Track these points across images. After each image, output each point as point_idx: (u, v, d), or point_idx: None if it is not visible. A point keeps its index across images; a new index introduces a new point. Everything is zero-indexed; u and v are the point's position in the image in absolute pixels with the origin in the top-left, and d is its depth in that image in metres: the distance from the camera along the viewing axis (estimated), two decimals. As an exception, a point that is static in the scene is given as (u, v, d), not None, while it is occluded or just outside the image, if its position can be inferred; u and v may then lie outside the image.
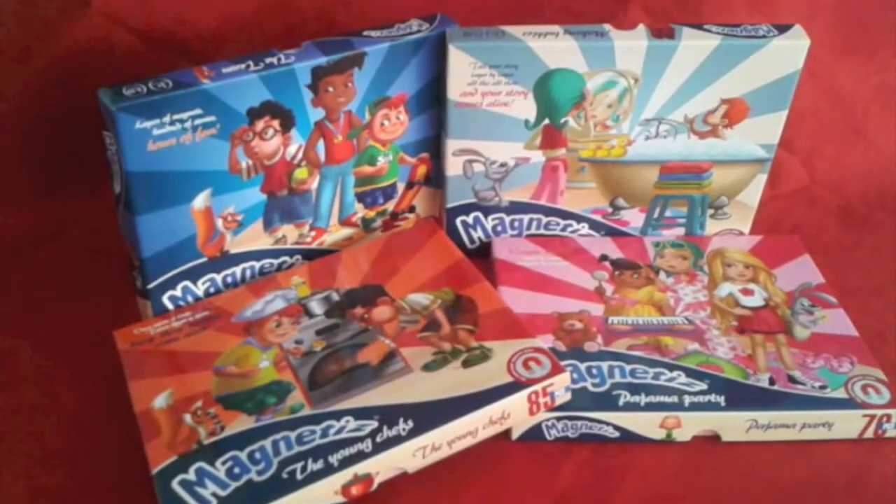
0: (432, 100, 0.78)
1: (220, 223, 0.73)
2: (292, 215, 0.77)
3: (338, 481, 0.59)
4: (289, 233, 0.78)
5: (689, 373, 0.68)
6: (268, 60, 0.69)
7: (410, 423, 0.61)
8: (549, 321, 0.72)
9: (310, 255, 0.80)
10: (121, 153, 0.65)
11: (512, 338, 0.67)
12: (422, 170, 0.82)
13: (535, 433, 0.66)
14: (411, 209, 0.84)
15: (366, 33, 0.74)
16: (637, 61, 0.74)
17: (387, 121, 0.77)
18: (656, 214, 0.83)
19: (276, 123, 0.71)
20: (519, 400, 0.63)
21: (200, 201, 0.71)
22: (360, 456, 0.59)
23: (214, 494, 0.57)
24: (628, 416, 0.66)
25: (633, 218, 0.84)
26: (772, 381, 0.68)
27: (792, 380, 0.68)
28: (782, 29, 0.75)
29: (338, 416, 0.62)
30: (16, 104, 0.84)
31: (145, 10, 0.83)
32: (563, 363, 0.65)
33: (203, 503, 0.57)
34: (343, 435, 0.61)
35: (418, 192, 0.84)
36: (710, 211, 0.83)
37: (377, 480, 0.60)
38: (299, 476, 0.58)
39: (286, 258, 0.79)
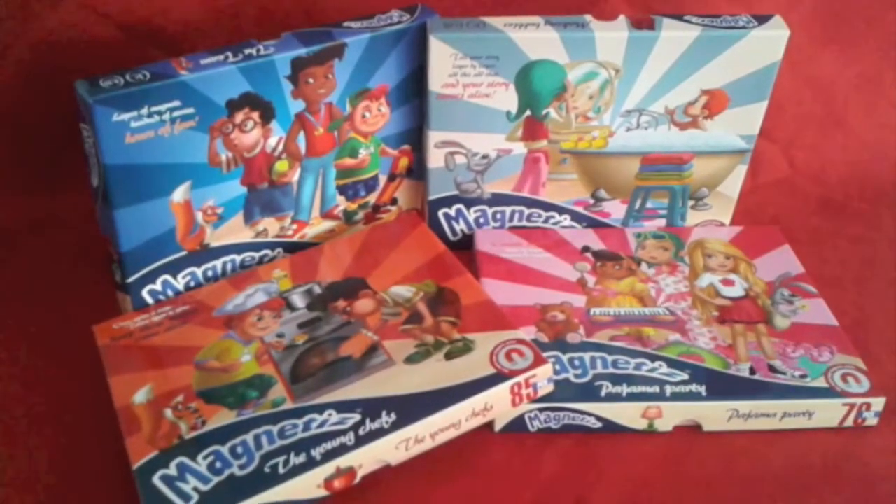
0: (414, 91, 0.77)
1: (199, 216, 0.73)
2: (273, 208, 0.77)
3: (320, 475, 0.58)
4: (270, 226, 0.78)
5: (671, 363, 0.68)
6: (247, 51, 0.69)
7: (393, 416, 0.61)
8: (531, 313, 0.73)
9: (291, 248, 0.80)
10: (98, 146, 0.65)
11: (494, 329, 0.67)
12: (403, 162, 0.82)
13: (517, 425, 0.66)
14: (393, 201, 0.84)
15: (346, 24, 0.73)
16: (618, 52, 0.74)
17: (368, 112, 0.77)
18: (637, 206, 0.84)
19: (255, 115, 0.71)
20: (502, 391, 0.63)
21: (180, 194, 0.70)
22: (343, 449, 0.59)
23: (196, 489, 0.57)
24: (610, 406, 0.66)
25: (615, 209, 0.84)
26: (752, 371, 0.68)
27: (772, 369, 0.68)
28: (762, 20, 0.75)
29: (320, 409, 0.62)
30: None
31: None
32: (545, 354, 0.65)
33: (184, 498, 0.57)
34: (325, 428, 0.60)
35: (400, 184, 0.83)
36: (691, 202, 0.84)
37: (360, 473, 0.60)
38: (281, 470, 0.58)
39: (267, 251, 0.79)
